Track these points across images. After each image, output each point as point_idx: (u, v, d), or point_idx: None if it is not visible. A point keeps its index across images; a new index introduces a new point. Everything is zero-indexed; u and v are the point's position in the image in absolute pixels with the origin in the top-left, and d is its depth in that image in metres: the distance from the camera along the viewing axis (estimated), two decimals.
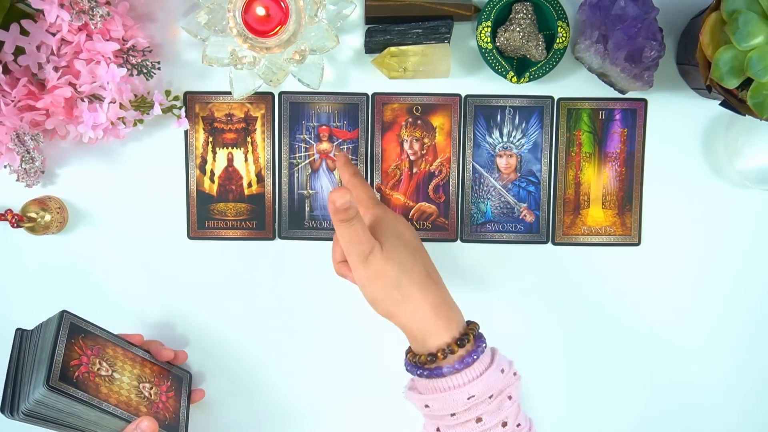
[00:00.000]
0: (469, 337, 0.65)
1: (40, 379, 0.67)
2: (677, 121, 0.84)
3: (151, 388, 0.77)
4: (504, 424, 0.65)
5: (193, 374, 0.86)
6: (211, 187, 0.84)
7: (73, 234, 0.84)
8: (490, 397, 0.64)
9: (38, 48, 0.74)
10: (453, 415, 0.64)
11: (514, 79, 0.79)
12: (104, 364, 0.73)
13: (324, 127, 0.84)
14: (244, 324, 0.86)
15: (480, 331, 0.68)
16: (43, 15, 0.71)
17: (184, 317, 0.86)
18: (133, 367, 0.76)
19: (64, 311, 0.73)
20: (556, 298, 0.86)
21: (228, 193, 0.84)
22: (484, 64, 0.81)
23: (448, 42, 0.81)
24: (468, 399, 0.63)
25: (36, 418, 0.68)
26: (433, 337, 0.65)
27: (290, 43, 0.76)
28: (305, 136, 0.84)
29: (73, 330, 0.73)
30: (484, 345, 0.66)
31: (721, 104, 0.74)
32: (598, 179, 0.84)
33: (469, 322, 0.68)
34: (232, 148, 0.84)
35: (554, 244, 0.85)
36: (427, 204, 0.85)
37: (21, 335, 0.74)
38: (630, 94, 0.81)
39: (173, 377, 0.81)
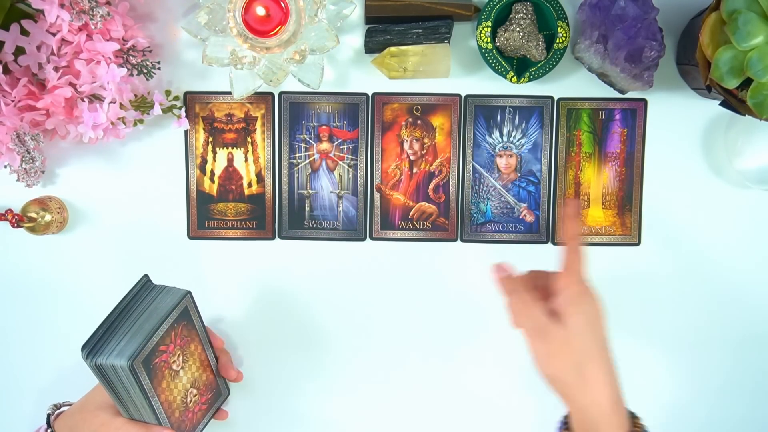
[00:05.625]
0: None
1: (129, 350, 0.68)
2: (677, 121, 0.84)
3: (195, 396, 0.78)
4: None
5: None
6: (211, 187, 0.84)
7: (73, 234, 0.84)
8: None
9: (38, 48, 0.74)
10: None
11: (514, 79, 0.79)
12: (180, 358, 0.75)
13: (324, 127, 0.84)
14: (243, 324, 0.86)
15: (643, 422, 0.66)
16: (44, 15, 0.71)
17: None
18: (196, 370, 0.78)
19: (188, 292, 0.74)
20: None
21: (228, 193, 0.84)
22: (484, 64, 0.81)
23: (448, 42, 0.81)
24: None
25: (99, 373, 0.70)
26: (604, 430, 0.64)
27: (290, 43, 0.76)
28: (305, 136, 0.84)
29: (182, 315, 0.74)
30: None
31: (721, 104, 0.74)
32: (598, 179, 0.84)
33: (633, 417, 0.66)
34: (232, 148, 0.84)
35: (554, 244, 0.85)
36: (427, 204, 0.85)
37: (144, 283, 0.74)
38: (630, 94, 0.81)
39: (216, 391, 0.82)
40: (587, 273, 0.67)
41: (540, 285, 0.68)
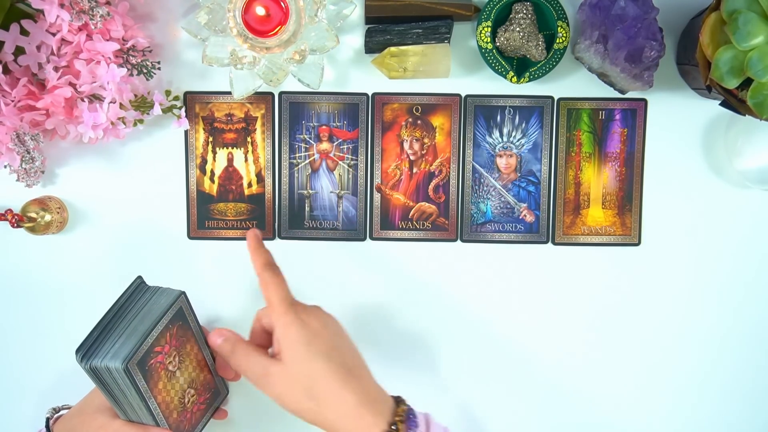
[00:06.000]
0: (401, 419, 0.65)
1: (124, 352, 0.68)
2: (677, 121, 0.84)
3: (193, 396, 0.78)
4: None
5: None
6: (211, 187, 0.84)
7: (73, 234, 0.84)
8: None
9: (38, 48, 0.74)
10: None
11: (514, 79, 0.79)
12: (176, 359, 0.75)
13: (324, 127, 0.84)
14: (243, 323, 0.86)
15: (408, 406, 0.67)
16: (43, 15, 0.71)
17: None
18: (193, 370, 0.77)
19: (183, 293, 0.74)
20: (556, 298, 0.86)
21: (228, 193, 0.84)
22: (484, 64, 0.81)
23: (448, 42, 0.81)
24: None
25: (94, 375, 0.69)
26: None
27: (290, 43, 0.76)
28: (305, 136, 0.84)
29: (177, 315, 0.73)
30: (416, 420, 0.65)
31: (721, 104, 0.74)
32: (598, 179, 0.84)
33: (396, 400, 0.67)
34: (232, 148, 0.84)
35: (554, 244, 0.85)
36: (427, 204, 0.85)
37: (138, 285, 0.74)
38: (630, 94, 0.81)
39: (214, 390, 0.82)
40: (289, 296, 0.69)
41: (269, 322, 0.71)
